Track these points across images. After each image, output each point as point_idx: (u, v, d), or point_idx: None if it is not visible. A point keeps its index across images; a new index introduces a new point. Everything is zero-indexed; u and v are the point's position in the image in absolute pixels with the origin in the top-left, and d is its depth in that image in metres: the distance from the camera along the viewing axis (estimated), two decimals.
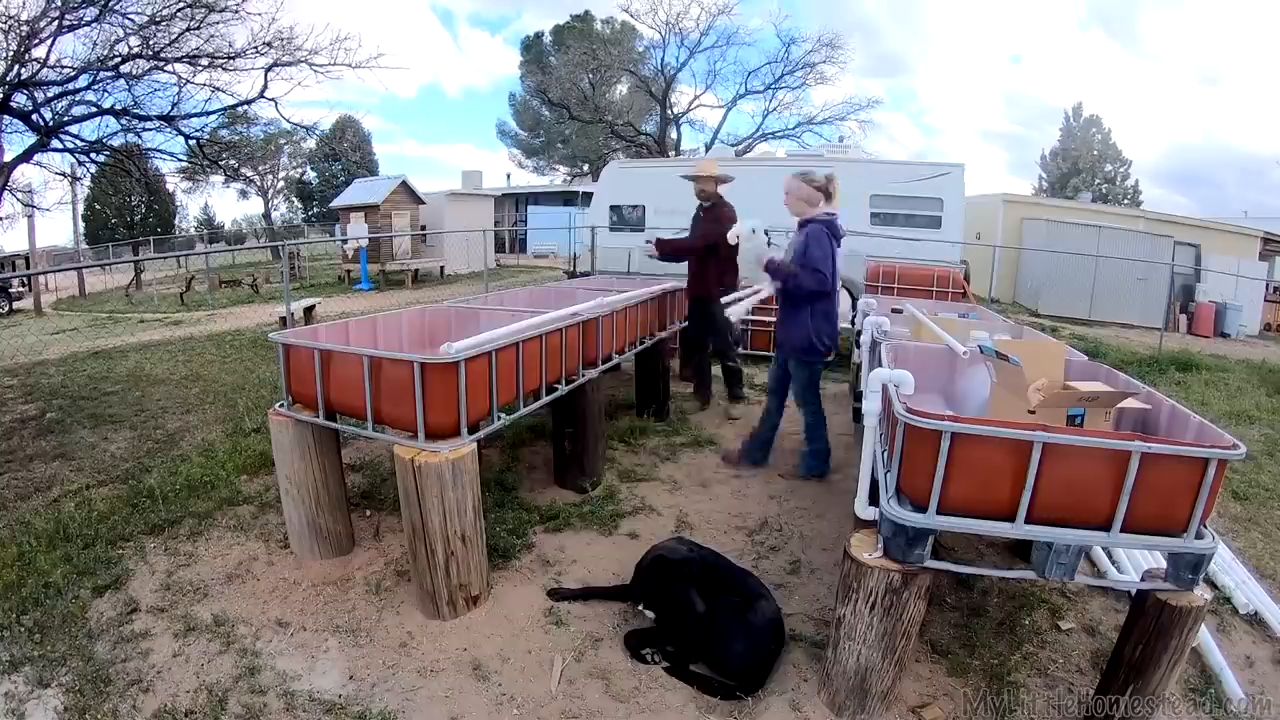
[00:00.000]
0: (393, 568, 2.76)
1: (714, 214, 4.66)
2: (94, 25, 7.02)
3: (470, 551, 2.40)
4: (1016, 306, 13.72)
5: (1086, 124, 34.88)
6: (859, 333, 4.41)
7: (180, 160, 9.57)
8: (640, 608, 2.35)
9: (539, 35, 28.47)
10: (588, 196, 15.21)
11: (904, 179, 9.31)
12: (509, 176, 30.26)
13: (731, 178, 4.89)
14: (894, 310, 4.53)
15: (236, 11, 7.61)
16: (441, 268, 17.27)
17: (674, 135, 24.33)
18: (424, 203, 16.94)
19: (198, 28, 7.50)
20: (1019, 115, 65.98)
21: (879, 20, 50.63)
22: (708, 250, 4.61)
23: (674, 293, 4.85)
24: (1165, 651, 1.77)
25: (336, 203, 17.49)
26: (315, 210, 33.49)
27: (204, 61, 7.77)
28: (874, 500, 2.00)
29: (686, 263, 4.82)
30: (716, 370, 5.17)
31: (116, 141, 8.47)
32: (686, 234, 5.06)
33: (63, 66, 7.16)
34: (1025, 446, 1.62)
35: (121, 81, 7.51)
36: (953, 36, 58.86)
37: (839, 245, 3.32)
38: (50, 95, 7.19)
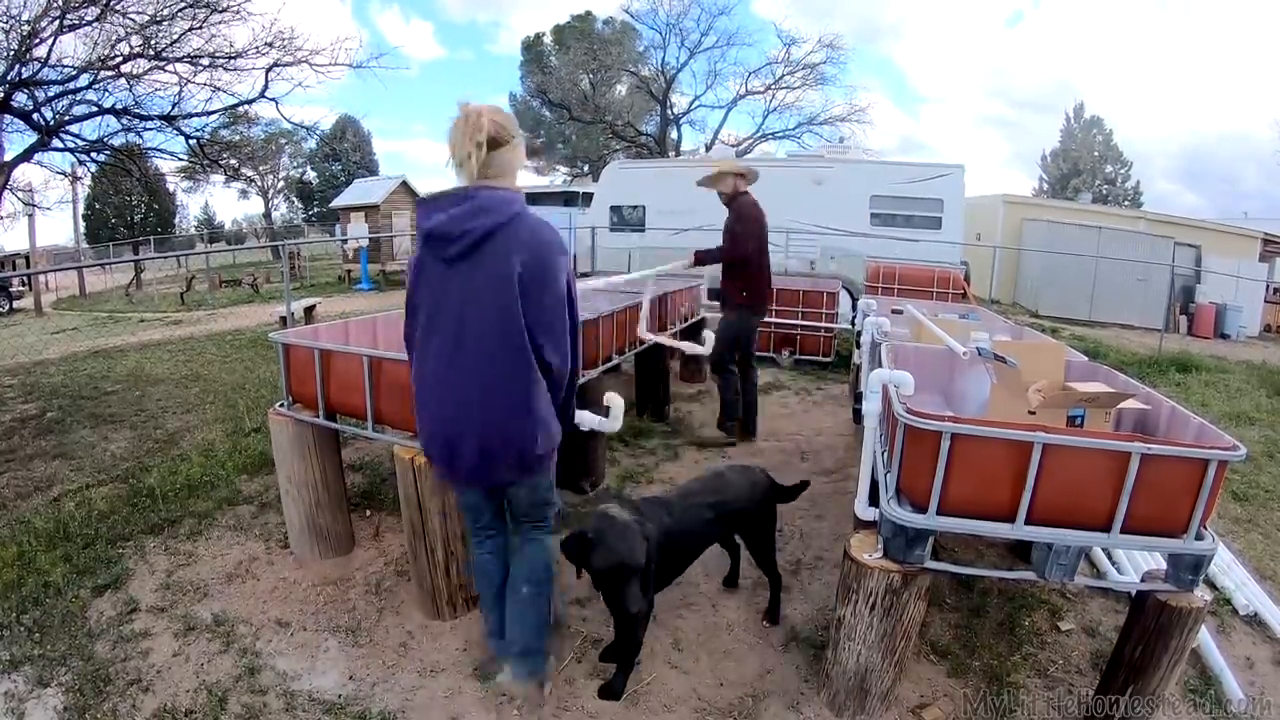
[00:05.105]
0: (393, 568, 2.76)
1: (733, 215, 4.06)
2: (95, 25, 7.02)
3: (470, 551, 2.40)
4: (1017, 307, 13.72)
5: (1087, 125, 34.91)
6: (859, 333, 4.41)
7: (180, 160, 9.56)
8: None
9: (539, 35, 28.48)
10: (588, 197, 15.25)
11: (904, 180, 9.31)
12: None
13: (753, 171, 4.16)
14: (894, 311, 4.53)
15: (238, 12, 7.61)
16: None
17: (674, 135, 24.37)
18: None
19: (199, 28, 7.50)
20: (1017, 98, 63.78)
21: None
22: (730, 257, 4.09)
23: (675, 294, 4.84)
24: (1165, 652, 1.77)
25: (336, 203, 17.51)
26: (315, 210, 33.50)
27: (205, 61, 7.77)
28: (874, 501, 2.00)
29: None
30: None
31: (117, 141, 8.46)
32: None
33: (63, 66, 7.16)
34: (1025, 447, 1.62)
35: (122, 81, 7.50)
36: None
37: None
38: (51, 95, 7.19)
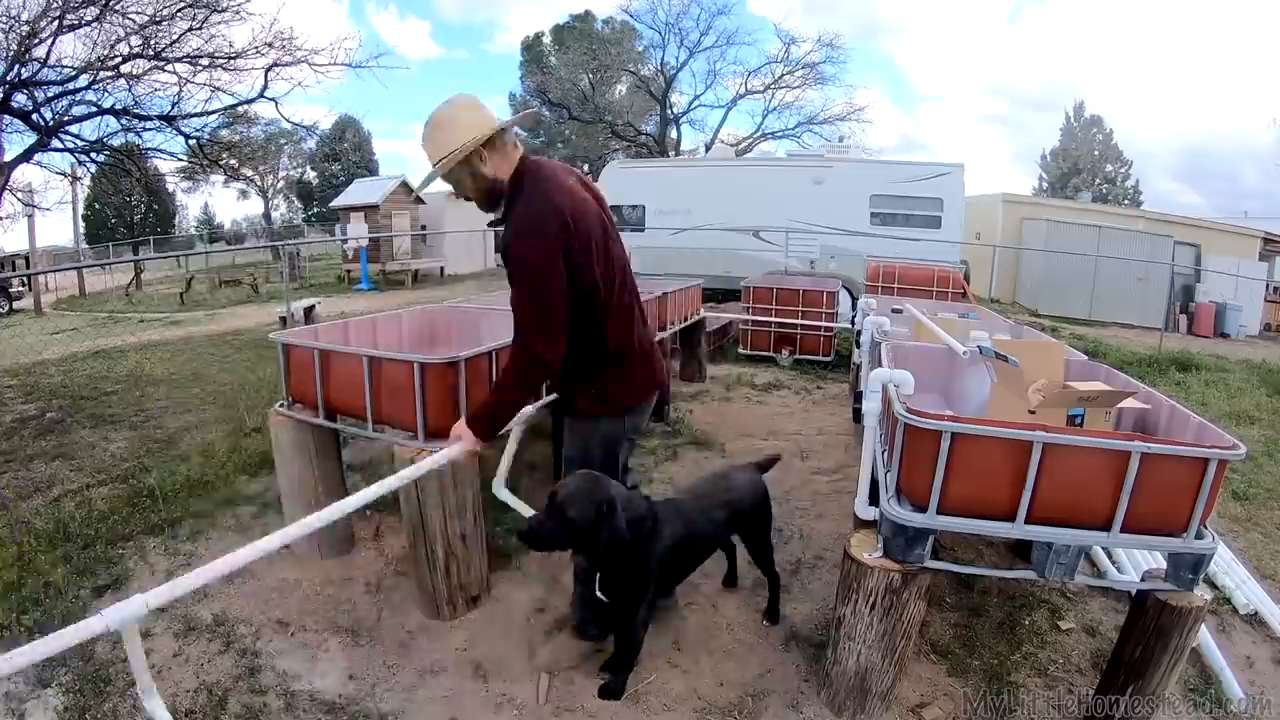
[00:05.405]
0: (393, 568, 2.76)
1: (520, 222, 1.83)
2: (94, 25, 7.02)
3: (470, 552, 2.40)
4: (1016, 306, 13.71)
5: (1087, 123, 34.92)
6: (859, 333, 4.41)
7: (180, 160, 9.56)
8: None
9: (539, 35, 28.50)
10: None
11: (904, 179, 9.33)
12: None
13: (526, 117, 2.00)
14: (894, 310, 4.53)
15: (238, 12, 7.61)
16: (442, 268, 17.27)
17: (674, 135, 24.36)
18: (424, 203, 16.95)
19: (199, 28, 7.50)
20: (1017, 97, 63.29)
21: None
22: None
23: (675, 293, 4.84)
24: (1165, 652, 1.77)
25: (336, 203, 17.50)
26: (315, 210, 33.50)
27: (204, 61, 7.77)
28: (874, 500, 2.00)
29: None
30: None
31: (116, 141, 8.46)
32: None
33: (63, 66, 7.16)
34: (1025, 446, 1.61)
35: (122, 81, 7.50)
36: None
37: None
38: (50, 95, 7.18)
